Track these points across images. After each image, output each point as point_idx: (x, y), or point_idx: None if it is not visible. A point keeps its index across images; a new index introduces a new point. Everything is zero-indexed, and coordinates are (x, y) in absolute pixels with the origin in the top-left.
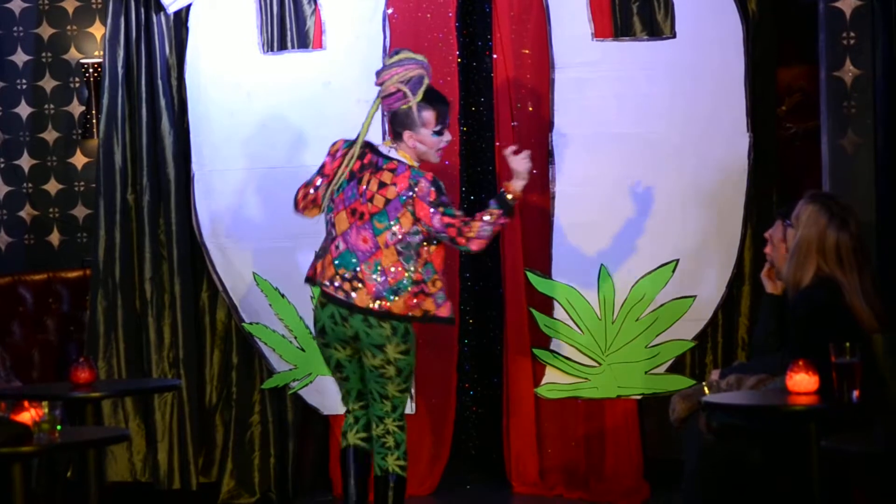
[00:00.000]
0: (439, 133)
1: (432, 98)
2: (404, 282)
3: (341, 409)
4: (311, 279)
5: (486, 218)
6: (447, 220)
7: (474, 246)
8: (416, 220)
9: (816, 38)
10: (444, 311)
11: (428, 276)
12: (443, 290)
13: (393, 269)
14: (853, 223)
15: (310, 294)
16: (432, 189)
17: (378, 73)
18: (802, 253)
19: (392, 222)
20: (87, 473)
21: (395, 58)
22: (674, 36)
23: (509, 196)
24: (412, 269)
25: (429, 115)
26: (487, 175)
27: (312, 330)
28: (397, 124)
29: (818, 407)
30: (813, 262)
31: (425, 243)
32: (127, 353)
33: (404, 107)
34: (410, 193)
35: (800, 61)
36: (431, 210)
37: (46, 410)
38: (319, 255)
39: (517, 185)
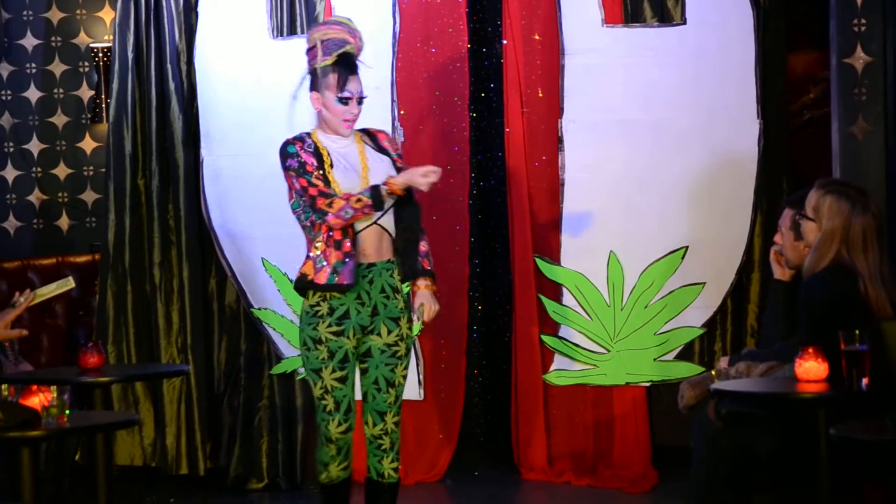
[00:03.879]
0: (343, 102)
1: (342, 62)
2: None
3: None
4: None
5: (352, 201)
6: (303, 182)
7: (331, 220)
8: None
9: (827, 25)
10: (321, 278)
11: (313, 240)
12: (325, 257)
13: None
14: (873, 205)
15: None
16: (280, 155)
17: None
18: (826, 244)
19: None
20: (96, 458)
21: (329, 19)
22: (684, 22)
23: (384, 188)
24: (310, 237)
25: (332, 77)
26: (498, 161)
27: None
28: (311, 84)
29: (827, 395)
30: (834, 250)
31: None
32: (135, 338)
33: (315, 65)
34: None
35: (810, 48)
36: (285, 175)
37: (55, 395)
38: None
39: (398, 180)
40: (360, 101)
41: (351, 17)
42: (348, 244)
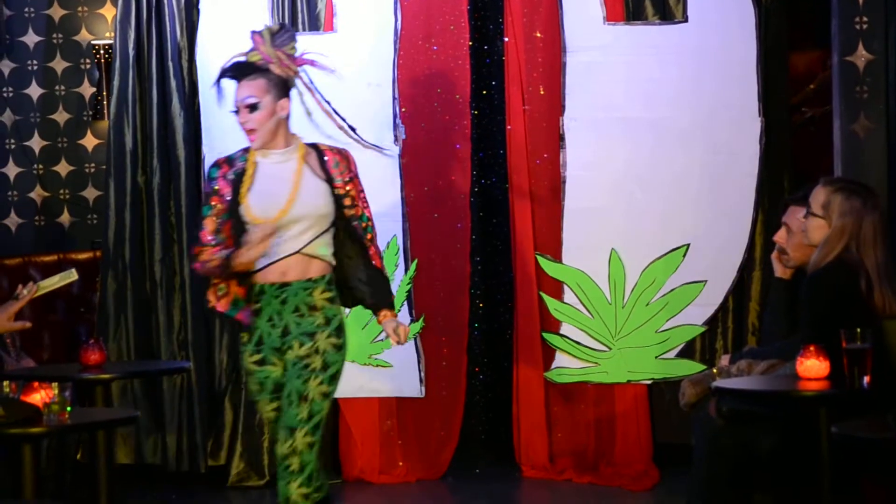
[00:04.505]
0: (236, 113)
1: (230, 73)
2: None
3: (350, 393)
4: None
5: (213, 259)
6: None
7: (196, 267)
8: None
9: (829, 23)
10: (222, 306)
11: None
12: (227, 286)
13: None
14: (879, 201)
15: None
16: None
17: None
18: (835, 241)
19: None
20: (97, 455)
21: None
22: (686, 20)
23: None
24: None
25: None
26: (499, 159)
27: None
28: None
29: (828, 393)
30: (841, 247)
31: None
32: (136, 335)
33: None
34: None
35: (812, 46)
36: None
37: (56, 392)
38: None
39: (243, 259)
40: (252, 109)
41: (353, 14)
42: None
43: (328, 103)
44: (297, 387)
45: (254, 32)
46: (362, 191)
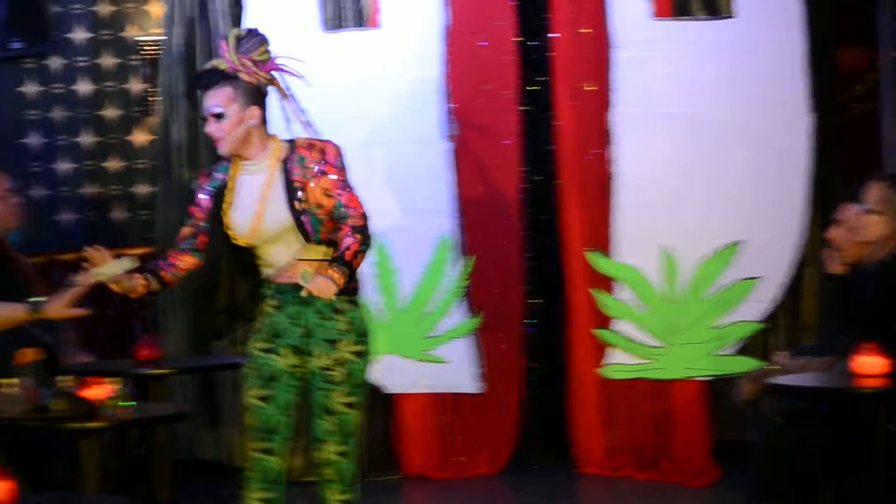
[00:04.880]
0: (203, 120)
1: (198, 82)
2: None
3: (405, 388)
4: None
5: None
6: None
7: None
8: None
9: (877, 19)
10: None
11: None
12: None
13: None
14: None
15: (374, 273)
16: None
17: None
18: (891, 236)
19: None
20: (153, 450)
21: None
22: (734, 16)
23: None
24: None
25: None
26: (547, 154)
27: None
28: None
29: (886, 390)
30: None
31: None
32: (191, 330)
33: None
34: None
35: (859, 42)
36: None
37: (117, 386)
38: None
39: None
40: (218, 118)
41: (402, 10)
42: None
43: (303, 112)
44: (319, 400)
45: (221, 38)
46: (341, 181)
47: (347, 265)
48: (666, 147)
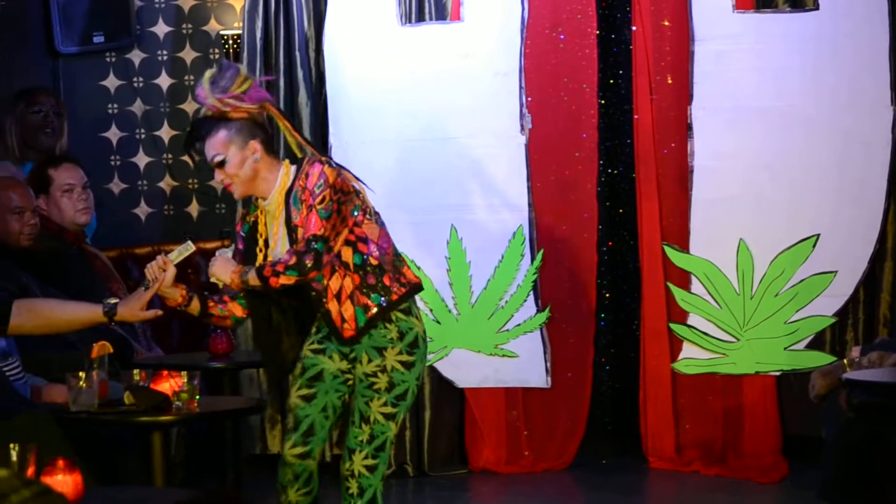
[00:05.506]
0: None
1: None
2: None
3: (476, 383)
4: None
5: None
6: None
7: None
8: None
9: None
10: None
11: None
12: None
13: None
14: None
15: (447, 268)
16: None
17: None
18: None
19: None
20: (224, 444)
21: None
22: (817, 7)
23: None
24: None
25: None
26: (626, 148)
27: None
28: None
29: None
30: None
31: None
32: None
33: None
34: None
35: None
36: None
37: (185, 380)
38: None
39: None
40: (221, 165)
41: (480, 3)
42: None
43: (299, 132)
44: (359, 407)
45: (196, 86)
46: (308, 206)
47: (262, 277)
48: (744, 140)
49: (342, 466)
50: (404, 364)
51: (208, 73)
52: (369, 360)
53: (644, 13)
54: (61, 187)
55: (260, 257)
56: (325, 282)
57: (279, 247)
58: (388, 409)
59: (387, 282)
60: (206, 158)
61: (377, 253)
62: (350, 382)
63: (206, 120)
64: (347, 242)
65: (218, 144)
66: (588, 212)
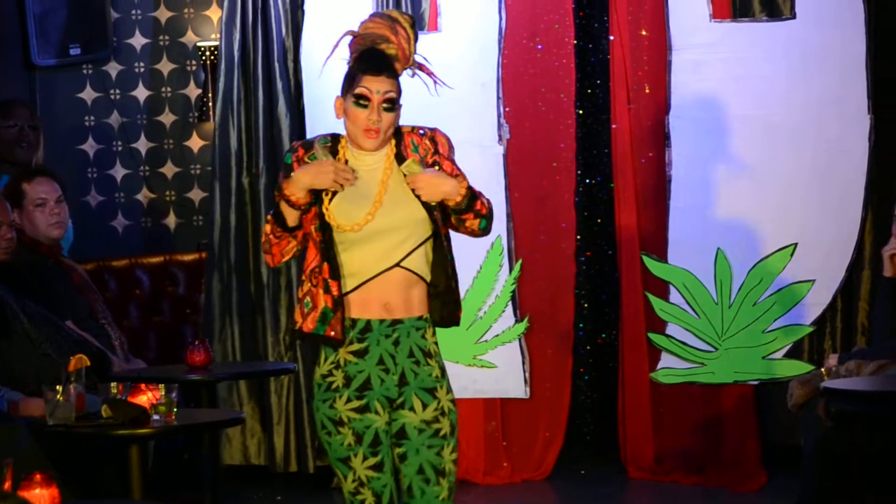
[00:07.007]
0: (361, 104)
1: (367, 58)
2: None
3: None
4: None
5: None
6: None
7: (267, 259)
8: None
9: None
10: (308, 325)
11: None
12: (312, 297)
13: None
14: None
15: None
16: None
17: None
18: None
19: None
20: (202, 456)
21: (376, 12)
22: (794, 17)
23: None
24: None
25: (356, 78)
26: (604, 158)
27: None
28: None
29: None
30: None
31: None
32: (242, 336)
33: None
34: None
35: None
36: None
37: (163, 393)
38: None
39: (293, 188)
40: (391, 106)
41: (457, 13)
42: (336, 287)
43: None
44: (430, 459)
45: (387, 20)
46: (459, 174)
47: (472, 194)
48: (722, 150)
49: None
50: (453, 402)
51: (409, 19)
52: (424, 406)
53: (621, 23)
54: (34, 201)
55: (326, 200)
56: None
57: (395, 197)
58: (455, 455)
59: None
60: (367, 90)
61: None
62: (389, 434)
63: (389, 59)
64: None
65: (397, 87)
66: (566, 222)
